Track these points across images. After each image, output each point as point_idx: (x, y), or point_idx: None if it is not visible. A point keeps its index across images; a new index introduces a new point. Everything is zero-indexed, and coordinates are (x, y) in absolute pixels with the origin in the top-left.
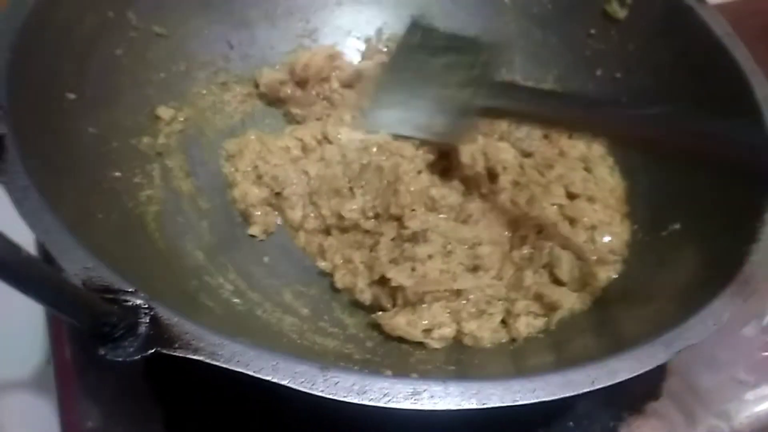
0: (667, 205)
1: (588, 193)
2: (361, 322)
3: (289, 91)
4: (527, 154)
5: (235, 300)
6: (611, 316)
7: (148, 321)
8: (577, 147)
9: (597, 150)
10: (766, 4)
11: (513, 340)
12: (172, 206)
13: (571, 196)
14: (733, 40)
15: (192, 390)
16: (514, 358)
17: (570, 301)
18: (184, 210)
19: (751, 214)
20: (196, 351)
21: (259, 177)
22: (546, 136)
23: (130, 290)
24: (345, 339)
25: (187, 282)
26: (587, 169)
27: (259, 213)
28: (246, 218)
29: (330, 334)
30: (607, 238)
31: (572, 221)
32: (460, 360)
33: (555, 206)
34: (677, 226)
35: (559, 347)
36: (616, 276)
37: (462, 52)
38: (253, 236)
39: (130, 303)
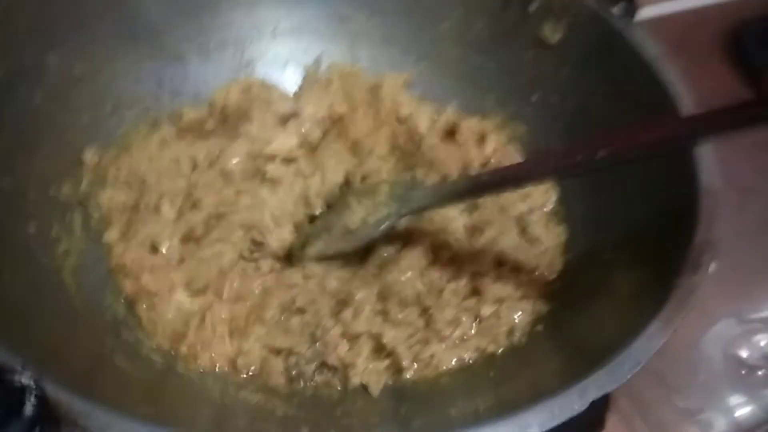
0: (601, 233)
1: (516, 262)
2: None
3: (213, 126)
4: (471, 210)
5: (155, 357)
6: (532, 358)
7: (34, 401)
8: (517, 205)
9: (537, 200)
10: (713, 13)
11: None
12: (93, 257)
13: (499, 263)
14: (663, 64)
15: None
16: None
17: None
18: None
19: (676, 247)
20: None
21: None
22: None
23: (17, 369)
24: (270, 393)
25: (101, 342)
26: (522, 230)
27: None
28: None
29: (255, 389)
30: (518, 314)
31: (479, 292)
32: (389, 407)
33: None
34: (608, 255)
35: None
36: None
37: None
38: None
39: (16, 383)
